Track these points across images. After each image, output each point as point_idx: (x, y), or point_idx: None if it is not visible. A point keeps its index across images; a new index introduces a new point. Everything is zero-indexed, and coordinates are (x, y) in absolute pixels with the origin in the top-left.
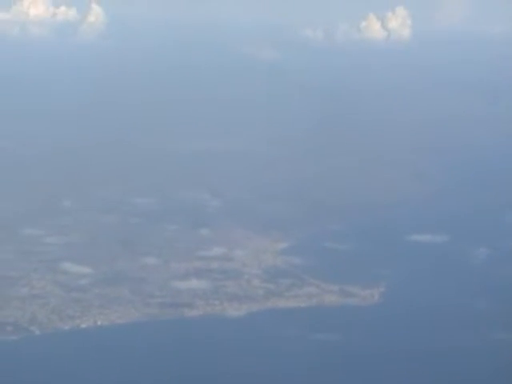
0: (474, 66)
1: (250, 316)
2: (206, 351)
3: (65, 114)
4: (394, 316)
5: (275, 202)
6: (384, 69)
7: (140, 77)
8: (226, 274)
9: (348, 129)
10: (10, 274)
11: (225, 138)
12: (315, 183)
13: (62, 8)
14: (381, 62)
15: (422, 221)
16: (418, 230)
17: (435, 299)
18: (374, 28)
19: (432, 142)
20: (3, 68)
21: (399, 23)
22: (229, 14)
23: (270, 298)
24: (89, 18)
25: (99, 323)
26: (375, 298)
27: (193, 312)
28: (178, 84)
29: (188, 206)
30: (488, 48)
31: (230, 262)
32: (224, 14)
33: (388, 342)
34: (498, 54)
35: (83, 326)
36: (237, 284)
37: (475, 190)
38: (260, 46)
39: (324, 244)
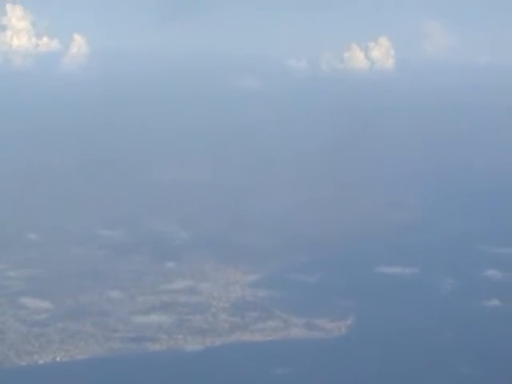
0: (456, 94)
1: (210, 350)
2: None
3: (42, 142)
4: (357, 349)
5: (247, 233)
6: (366, 97)
7: (121, 108)
8: (193, 307)
9: (328, 157)
10: None
11: (202, 168)
12: (290, 214)
13: (45, 39)
14: (364, 90)
15: (393, 252)
16: (388, 262)
17: (400, 332)
18: (357, 58)
19: (412, 169)
20: None
21: (382, 53)
22: (215, 45)
23: (234, 332)
24: (71, 49)
25: (58, 359)
26: (342, 331)
27: (155, 346)
28: (161, 114)
29: (157, 238)
30: (471, 77)
31: (197, 295)
32: (210, 46)
33: (348, 375)
34: (481, 83)
35: (41, 361)
36: (202, 318)
37: (452, 220)
38: (246, 76)
39: (294, 276)
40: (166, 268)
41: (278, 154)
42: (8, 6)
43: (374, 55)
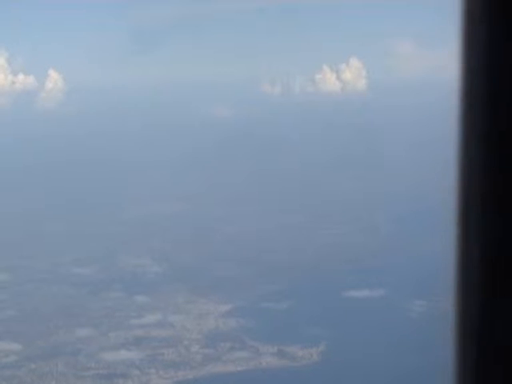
0: (430, 113)
1: None
2: None
3: (16, 181)
4: (328, 376)
5: (220, 263)
6: (338, 120)
7: (98, 142)
8: (165, 340)
9: (299, 184)
10: None
11: (175, 201)
12: (262, 242)
13: (21, 76)
14: (336, 113)
15: (361, 276)
16: (356, 286)
17: (370, 357)
18: (329, 80)
19: (381, 193)
20: None
21: (353, 74)
22: (187, 72)
23: (207, 364)
24: (47, 85)
25: None
26: (313, 357)
27: (127, 383)
28: (135, 147)
29: (129, 273)
30: (446, 95)
31: (169, 328)
32: (182, 73)
33: None
34: (453, 100)
35: None
36: (175, 351)
37: (421, 240)
38: (218, 104)
39: (265, 305)
40: (139, 303)
41: (250, 183)
42: None
43: (345, 77)
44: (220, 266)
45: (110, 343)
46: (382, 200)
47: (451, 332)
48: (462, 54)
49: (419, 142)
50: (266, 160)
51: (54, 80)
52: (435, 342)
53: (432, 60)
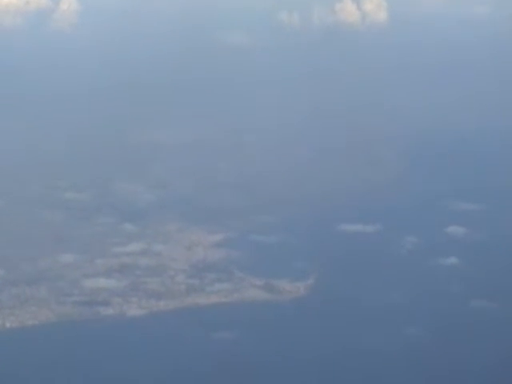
0: (449, 47)
1: (158, 315)
2: (86, 355)
3: (20, 103)
4: (312, 311)
5: (216, 193)
6: (358, 51)
7: (110, 66)
8: (151, 269)
9: (311, 116)
10: None
11: (184, 128)
12: (262, 173)
13: None
14: (355, 44)
15: (358, 210)
16: (351, 220)
17: (356, 292)
18: (349, 10)
19: (394, 128)
20: None
21: (374, 5)
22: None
23: (190, 295)
24: (61, 6)
25: (8, 325)
26: (300, 291)
27: (107, 311)
28: (148, 72)
29: (123, 200)
30: (466, 29)
31: (157, 257)
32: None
33: (295, 340)
34: (477, 35)
35: None
36: (159, 280)
37: (424, 178)
38: (234, 31)
39: (258, 236)
40: (128, 230)
41: (265, 113)
42: None
43: (365, 7)
44: (216, 196)
45: (94, 270)
46: (388, 137)
47: None
48: None
49: (435, 77)
50: (281, 89)
51: (69, 1)
52: (422, 278)
53: None
